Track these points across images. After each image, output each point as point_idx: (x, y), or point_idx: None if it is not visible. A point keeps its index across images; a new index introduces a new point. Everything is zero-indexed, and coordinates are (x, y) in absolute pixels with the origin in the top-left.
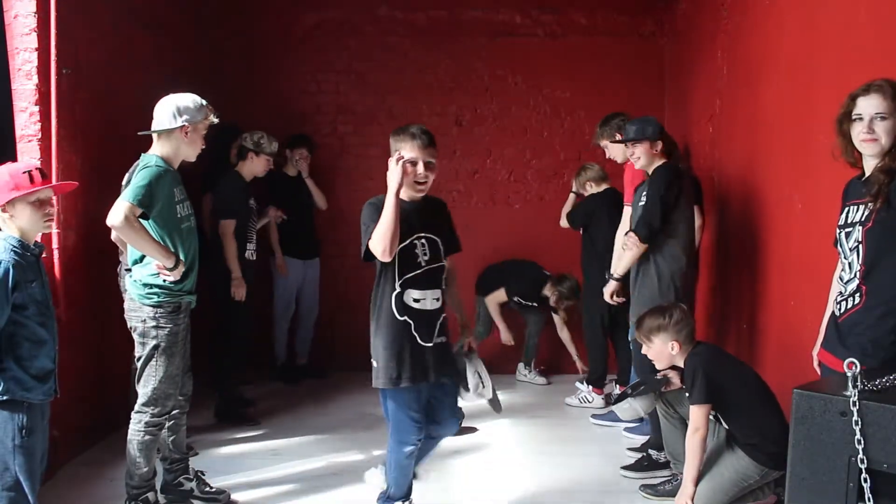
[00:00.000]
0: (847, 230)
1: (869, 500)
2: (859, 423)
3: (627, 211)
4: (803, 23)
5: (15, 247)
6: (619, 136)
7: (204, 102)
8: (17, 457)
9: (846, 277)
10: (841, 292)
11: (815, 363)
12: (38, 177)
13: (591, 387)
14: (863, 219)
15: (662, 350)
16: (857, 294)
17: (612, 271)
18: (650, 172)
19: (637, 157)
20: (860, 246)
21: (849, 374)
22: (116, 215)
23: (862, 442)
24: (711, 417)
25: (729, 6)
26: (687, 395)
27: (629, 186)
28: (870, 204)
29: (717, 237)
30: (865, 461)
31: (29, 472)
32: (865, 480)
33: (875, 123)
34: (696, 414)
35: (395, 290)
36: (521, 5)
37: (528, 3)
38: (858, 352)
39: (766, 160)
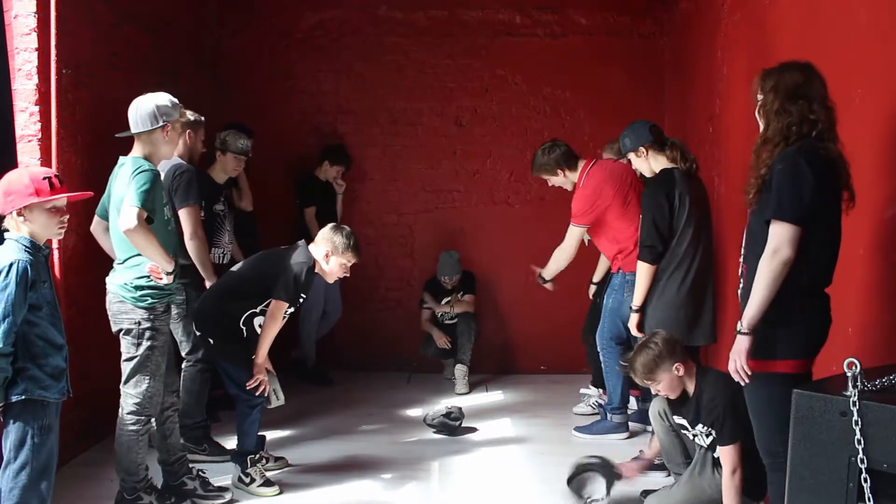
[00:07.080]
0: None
1: (869, 500)
2: (859, 423)
3: (573, 231)
4: (803, 22)
5: (27, 247)
6: (565, 169)
7: (176, 100)
8: (34, 455)
9: (741, 259)
10: (739, 275)
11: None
12: (58, 184)
13: (601, 390)
14: (750, 199)
15: (671, 380)
16: (742, 277)
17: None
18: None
19: (635, 168)
20: (747, 228)
21: (849, 374)
22: (131, 220)
23: (862, 442)
24: (701, 443)
25: (729, 6)
26: (713, 435)
27: (574, 209)
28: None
29: (716, 238)
30: (865, 461)
31: (46, 469)
32: (865, 480)
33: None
34: (729, 454)
35: None
36: (521, 5)
37: (528, 3)
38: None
39: None
